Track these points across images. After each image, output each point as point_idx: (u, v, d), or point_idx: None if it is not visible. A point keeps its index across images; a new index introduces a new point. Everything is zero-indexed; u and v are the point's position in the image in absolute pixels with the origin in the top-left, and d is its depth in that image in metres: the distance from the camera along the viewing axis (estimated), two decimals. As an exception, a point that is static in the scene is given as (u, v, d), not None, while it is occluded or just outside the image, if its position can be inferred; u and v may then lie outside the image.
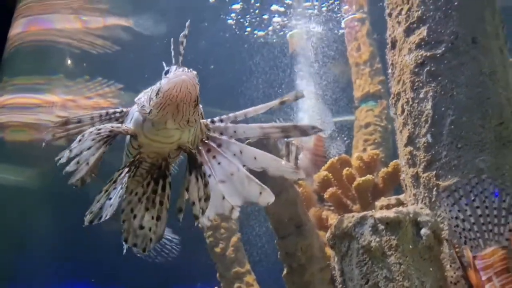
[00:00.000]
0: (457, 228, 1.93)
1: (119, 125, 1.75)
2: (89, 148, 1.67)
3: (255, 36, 5.85)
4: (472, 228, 1.89)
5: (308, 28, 5.19)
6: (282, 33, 5.71)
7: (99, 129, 1.69)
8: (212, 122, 1.86)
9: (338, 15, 5.11)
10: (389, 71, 2.62)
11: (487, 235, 1.86)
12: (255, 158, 1.82)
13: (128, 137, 1.80)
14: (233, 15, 5.58)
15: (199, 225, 1.83)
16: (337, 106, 4.44)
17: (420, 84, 2.41)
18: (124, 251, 2.17)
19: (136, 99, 1.72)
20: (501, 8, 2.51)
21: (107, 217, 1.72)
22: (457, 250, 1.99)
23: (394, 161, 3.31)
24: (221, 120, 1.87)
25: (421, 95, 2.40)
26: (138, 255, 2.31)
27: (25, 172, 6.11)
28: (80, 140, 1.67)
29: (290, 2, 5.56)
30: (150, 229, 1.79)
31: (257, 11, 5.69)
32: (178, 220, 1.79)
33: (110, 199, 1.71)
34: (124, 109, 1.83)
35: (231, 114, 1.86)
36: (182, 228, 1.92)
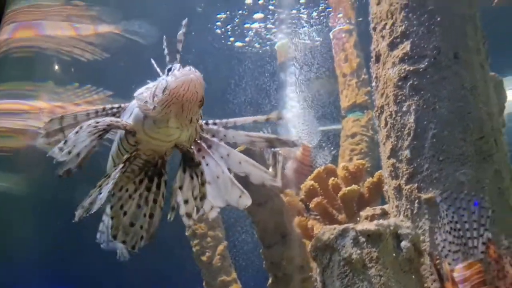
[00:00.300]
0: (440, 241, 1.96)
1: (118, 119, 1.73)
2: (83, 140, 1.66)
3: (239, 46, 5.89)
4: (453, 241, 1.92)
5: (296, 38, 5.24)
6: (269, 42, 5.76)
7: (97, 122, 1.68)
8: (206, 124, 1.90)
9: (326, 27, 5.17)
10: (373, 84, 2.66)
11: (465, 248, 1.89)
12: (240, 162, 1.90)
13: (120, 133, 1.78)
14: (218, 23, 5.61)
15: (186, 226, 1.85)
16: (324, 115, 4.49)
17: (403, 98, 2.45)
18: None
19: (136, 94, 1.70)
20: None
21: (94, 210, 1.71)
22: (437, 262, 2.02)
23: (380, 171, 3.35)
24: (215, 123, 1.91)
25: (404, 109, 2.44)
26: (120, 258, 2.30)
27: (12, 178, 6.08)
28: (77, 132, 1.66)
29: (276, 11, 5.60)
30: (141, 227, 1.77)
31: (245, 22, 5.73)
32: (168, 219, 1.80)
33: (101, 193, 1.69)
34: (122, 105, 1.81)
35: (223, 120, 1.91)
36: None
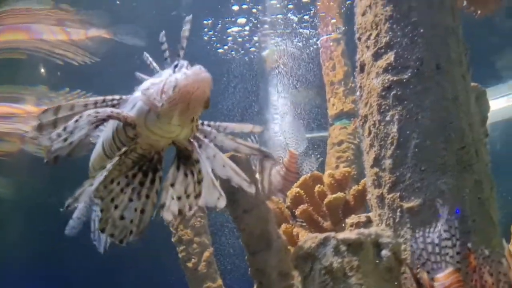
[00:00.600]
0: (419, 250, 1.99)
1: (119, 110, 1.70)
2: (82, 128, 1.64)
3: (221, 52, 5.92)
4: (433, 250, 1.95)
5: (284, 46, 5.28)
6: (255, 49, 5.79)
7: (98, 112, 1.65)
8: (202, 124, 1.90)
9: (314, 35, 5.22)
10: (357, 93, 2.69)
11: (445, 258, 1.92)
12: (223, 166, 1.92)
13: (118, 124, 1.75)
14: (205, 29, 5.64)
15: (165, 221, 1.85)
16: (311, 122, 4.53)
17: (387, 107, 2.48)
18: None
19: (142, 89, 1.67)
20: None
21: (82, 200, 1.70)
22: (417, 271, 2.04)
23: (365, 179, 3.38)
24: (209, 125, 1.92)
25: (388, 118, 2.47)
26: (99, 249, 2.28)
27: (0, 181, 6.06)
28: (77, 121, 1.63)
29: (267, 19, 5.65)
30: (131, 221, 1.75)
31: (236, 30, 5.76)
32: (158, 216, 1.80)
33: (92, 185, 1.68)
34: (124, 97, 1.77)
35: (217, 123, 1.94)
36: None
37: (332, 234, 2.03)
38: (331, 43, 4.88)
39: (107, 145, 1.82)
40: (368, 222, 3.03)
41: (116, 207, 1.74)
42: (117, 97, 1.77)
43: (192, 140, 1.82)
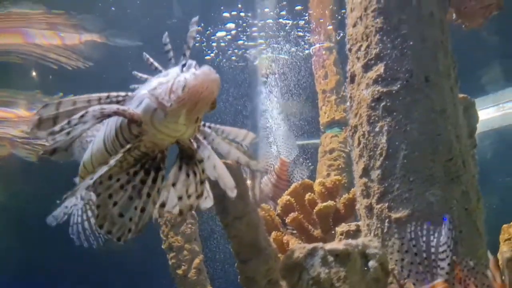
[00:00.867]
0: (404, 262, 2.00)
1: (125, 107, 1.67)
2: (85, 124, 1.62)
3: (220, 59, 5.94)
4: (421, 262, 1.97)
5: (277, 53, 5.31)
6: (248, 56, 5.82)
7: (104, 108, 1.63)
8: (203, 125, 1.90)
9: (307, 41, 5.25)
10: (348, 104, 2.72)
11: (433, 269, 1.94)
12: (214, 167, 1.91)
13: (121, 122, 1.72)
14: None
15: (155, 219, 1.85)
16: (302, 130, 4.55)
17: (376, 118, 2.51)
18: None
19: (149, 89, 1.65)
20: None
21: (79, 193, 1.68)
22: (403, 282, 2.06)
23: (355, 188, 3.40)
24: (209, 127, 1.92)
25: (377, 129, 2.50)
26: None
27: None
28: (82, 116, 1.61)
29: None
30: (130, 219, 1.73)
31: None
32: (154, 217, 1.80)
33: (91, 179, 1.65)
34: (130, 94, 1.75)
35: (217, 125, 1.93)
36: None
37: (320, 244, 2.04)
38: (324, 52, 4.92)
39: (109, 142, 1.79)
40: (358, 231, 3.05)
41: (115, 203, 1.72)
42: (122, 94, 1.75)
43: (192, 140, 1.82)
